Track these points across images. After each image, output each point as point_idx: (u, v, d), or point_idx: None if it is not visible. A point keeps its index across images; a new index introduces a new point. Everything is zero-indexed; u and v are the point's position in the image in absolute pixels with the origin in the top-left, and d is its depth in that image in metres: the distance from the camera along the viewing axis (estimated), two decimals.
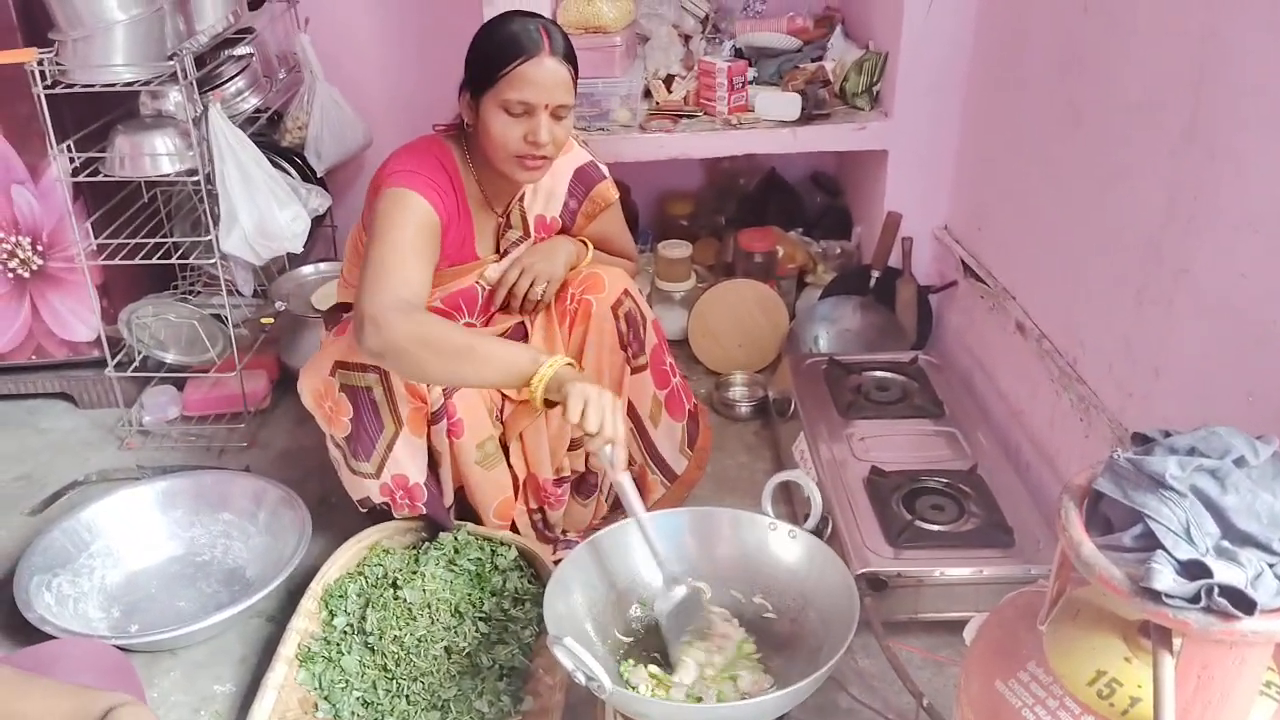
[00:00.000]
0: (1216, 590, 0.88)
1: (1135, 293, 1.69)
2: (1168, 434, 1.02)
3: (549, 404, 1.59)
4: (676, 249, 2.79)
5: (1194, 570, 0.90)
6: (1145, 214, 1.65)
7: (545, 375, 1.56)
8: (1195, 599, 0.89)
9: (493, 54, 1.70)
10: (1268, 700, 1.00)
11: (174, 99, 2.35)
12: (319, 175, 2.82)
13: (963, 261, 2.47)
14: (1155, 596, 0.90)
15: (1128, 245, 1.72)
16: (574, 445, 1.96)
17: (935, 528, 1.85)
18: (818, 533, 1.60)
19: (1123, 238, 1.74)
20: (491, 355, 1.61)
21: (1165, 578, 0.89)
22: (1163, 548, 0.92)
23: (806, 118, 2.54)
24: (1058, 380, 1.97)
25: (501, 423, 1.95)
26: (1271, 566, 0.91)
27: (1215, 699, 0.94)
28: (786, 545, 1.60)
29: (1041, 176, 2.07)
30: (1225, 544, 0.93)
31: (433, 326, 1.61)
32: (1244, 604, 0.88)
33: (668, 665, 1.53)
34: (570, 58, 1.74)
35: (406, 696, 1.71)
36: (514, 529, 1.99)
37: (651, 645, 1.59)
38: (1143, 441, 1.03)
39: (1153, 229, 1.63)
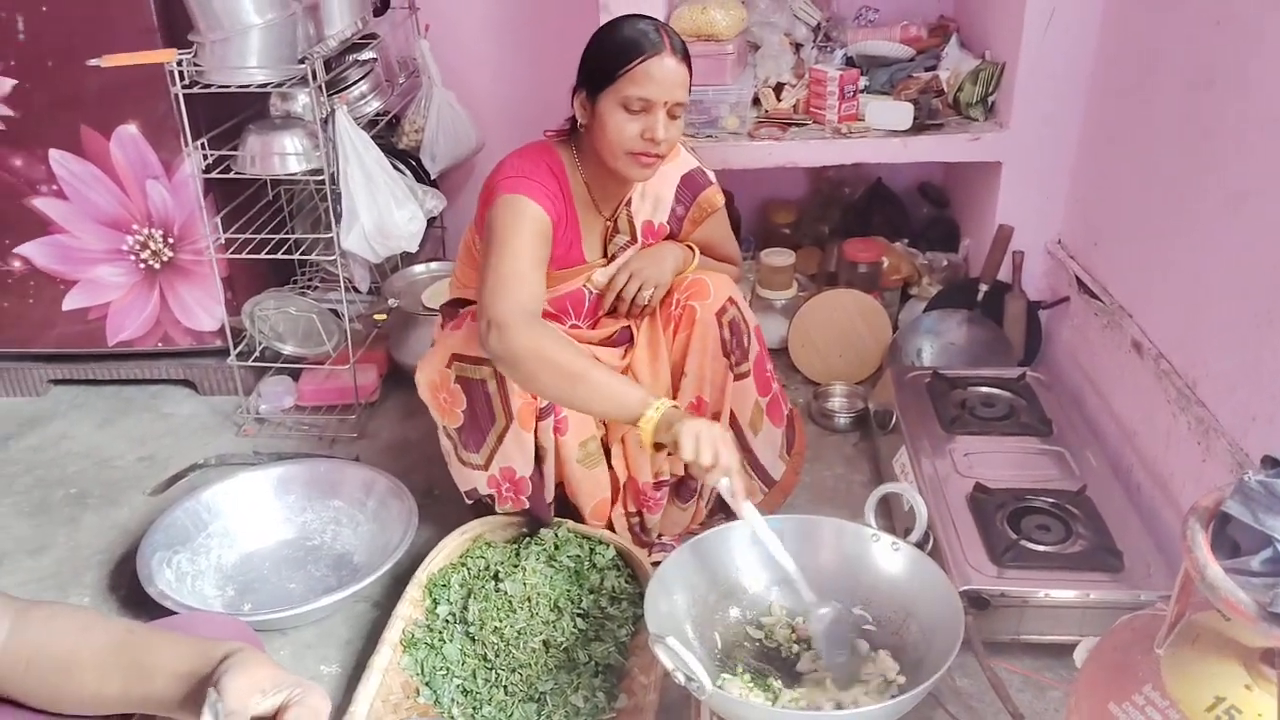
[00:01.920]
0: None
1: (1265, 313, 1.63)
2: None
3: (657, 447, 1.60)
4: (779, 257, 2.78)
5: None
6: (1275, 232, 1.60)
7: (654, 418, 1.56)
8: None
9: (615, 52, 1.73)
10: None
11: (302, 101, 2.45)
12: (432, 177, 2.90)
13: (1076, 277, 2.41)
14: None
15: (1256, 265, 1.66)
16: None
17: (1041, 548, 1.81)
18: (920, 546, 1.59)
19: (1250, 257, 1.68)
20: (603, 386, 1.62)
21: None
22: None
23: (918, 127, 2.51)
24: (1175, 402, 1.91)
25: (605, 425, 1.98)
26: None
27: None
28: (889, 557, 1.59)
29: (1163, 193, 2.02)
30: None
31: (554, 343, 1.64)
32: None
33: (774, 675, 1.55)
34: (687, 59, 1.77)
35: (505, 687, 1.75)
36: (612, 530, 2.02)
37: (750, 652, 1.60)
38: (1273, 465, 1.00)
39: None
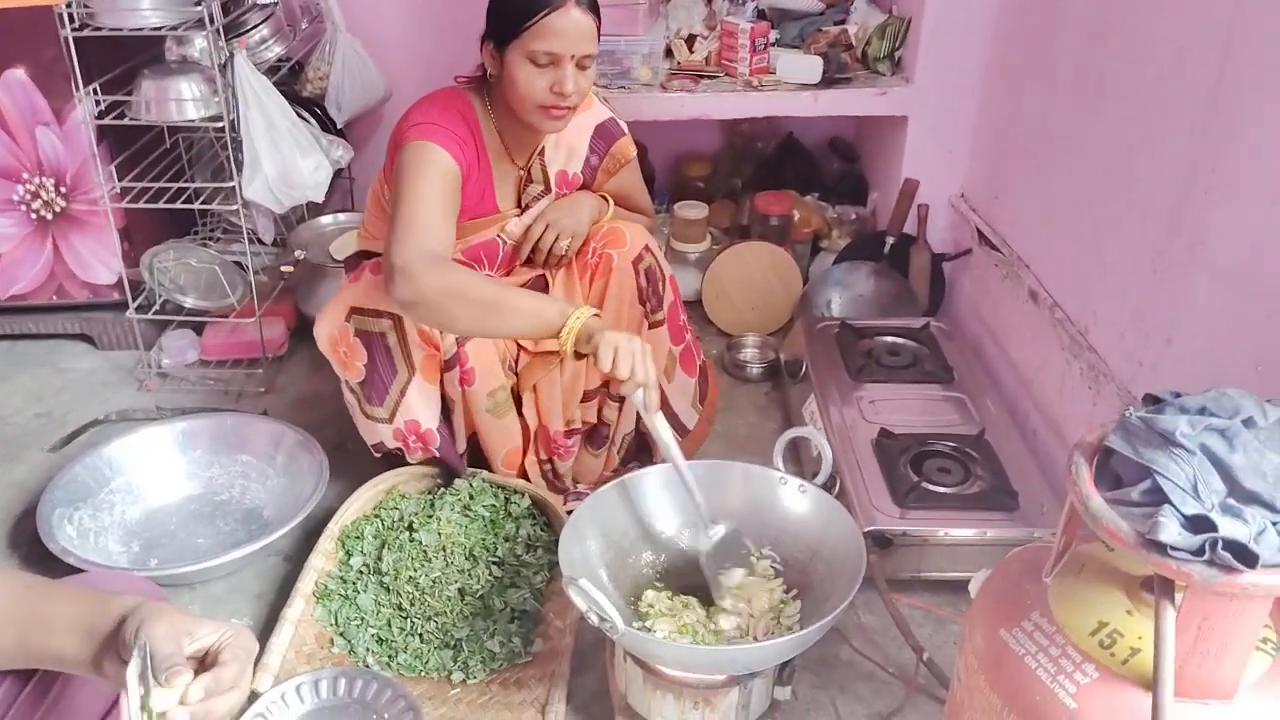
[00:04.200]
0: (1220, 543, 0.91)
1: (1150, 262, 1.71)
2: (1178, 395, 1.05)
3: (578, 355, 1.63)
4: (693, 210, 2.80)
5: (1199, 525, 0.93)
6: (1164, 185, 1.67)
7: (574, 327, 1.59)
8: (1199, 552, 0.92)
9: (518, 5, 1.71)
10: (1263, 655, 1.03)
11: (199, 45, 2.36)
12: (339, 127, 2.83)
13: (978, 230, 2.48)
14: (1160, 548, 0.93)
15: (1145, 216, 1.74)
16: (586, 397, 1.99)
17: (941, 489, 1.88)
18: (827, 489, 1.64)
19: (1140, 208, 1.76)
20: (520, 307, 1.64)
21: (1171, 530, 0.92)
22: (1170, 502, 0.95)
23: (828, 81, 2.54)
24: (1068, 349, 1.99)
25: (515, 374, 1.98)
26: (1275, 524, 0.94)
27: (1214, 650, 0.97)
28: (796, 499, 1.64)
29: (1061, 146, 2.09)
30: (1231, 501, 0.95)
31: (461, 278, 1.64)
32: (1246, 558, 0.91)
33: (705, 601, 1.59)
34: (594, 8, 1.75)
35: (420, 635, 1.75)
36: (525, 478, 2.03)
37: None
38: (1154, 403, 1.06)
39: (1171, 200, 1.65)
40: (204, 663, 0.93)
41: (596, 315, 1.62)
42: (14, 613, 0.98)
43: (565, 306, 1.63)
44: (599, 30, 1.76)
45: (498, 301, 1.63)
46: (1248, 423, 0.98)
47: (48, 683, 1.08)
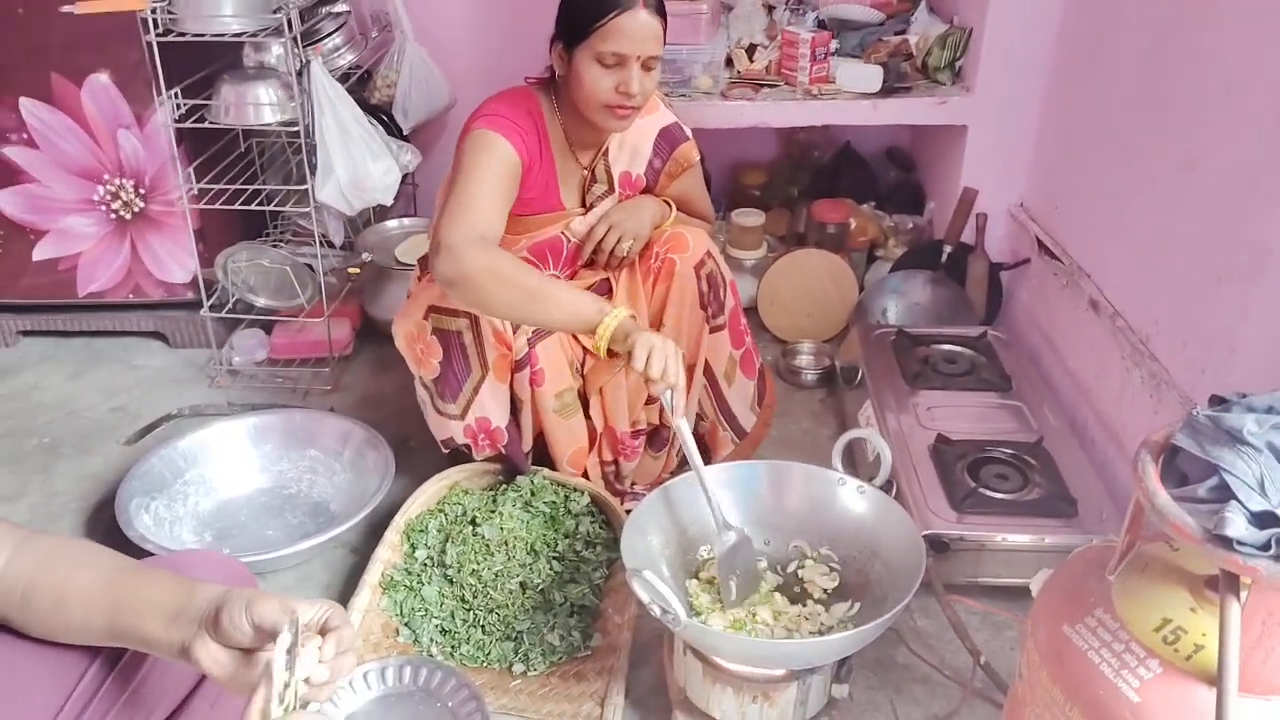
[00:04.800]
0: None
1: (1212, 272, 1.71)
2: (1244, 396, 1.06)
3: (612, 354, 1.67)
4: (750, 217, 2.83)
5: (1265, 521, 0.94)
6: (1227, 195, 1.67)
7: (610, 325, 1.63)
8: (1265, 547, 0.93)
9: (588, 6, 1.75)
10: None
11: (276, 52, 2.45)
12: (404, 133, 2.91)
13: (1037, 239, 2.49)
14: (1227, 543, 0.94)
15: (1208, 225, 1.74)
16: (650, 400, 2.03)
17: (999, 495, 1.88)
18: (885, 492, 1.65)
19: (1203, 218, 1.76)
20: (559, 299, 1.68)
21: (1238, 525, 0.93)
22: (1236, 499, 0.96)
23: (887, 90, 2.56)
24: (1129, 357, 1.99)
25: (583, 376, 2.03)
26: None
27: (1279, 645, 0.98)
28: (855, 499, 1.65)
29: (1122, 157, 2.09)
30: None
31: (505, 262, 1.69)
32: None
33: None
34: (660, 10, 1.79)
35: (482, 626, 1.80)
36: (586, 478, 2.07)
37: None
38: (1220, 403, 1.07)
39: (1234, 209, 1.65)
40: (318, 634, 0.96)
41: (632, 316, 1.67)
42: (106, 594, 1.02)
43: (604, 305, 1.67)
44: (665, 32, 1.80)
45: (538, 291, 1.67)
46: None
47: (135, 664, 1.11)
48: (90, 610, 1.02)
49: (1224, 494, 0.97)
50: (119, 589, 1.02)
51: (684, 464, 2.15)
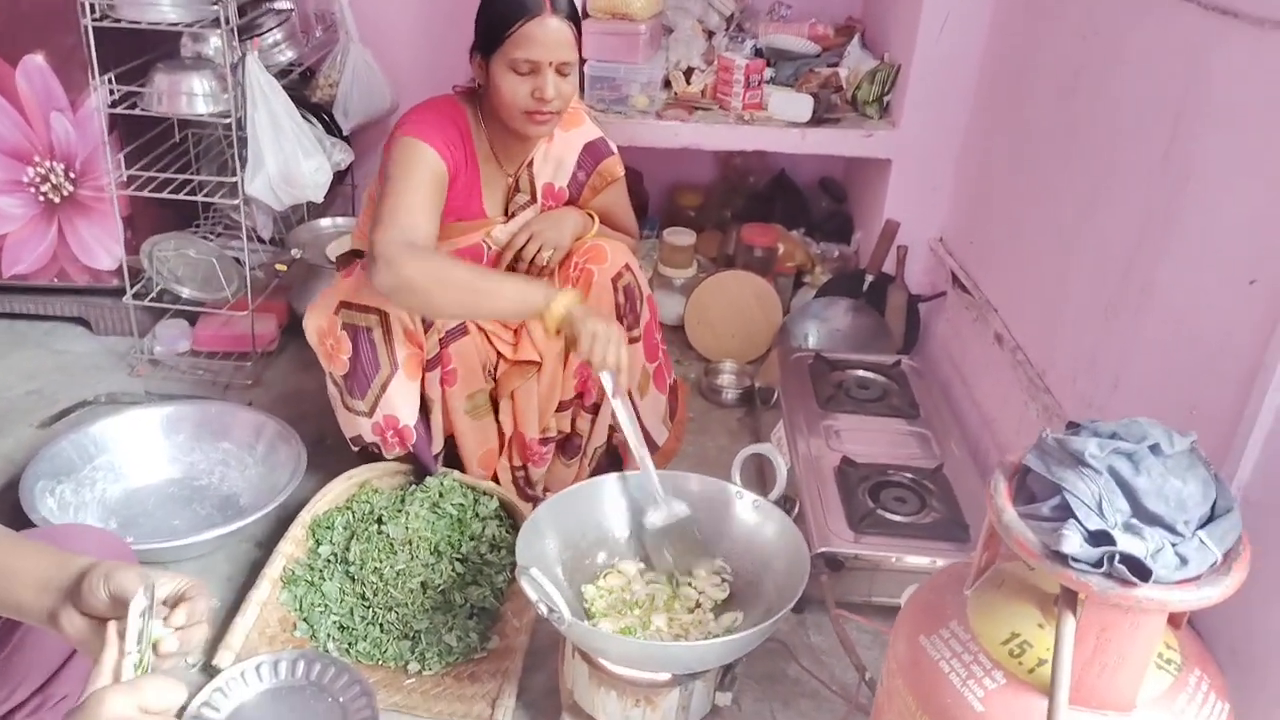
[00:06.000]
0: (1118, 557, 0.97)
1: (1104, 308, 1.78)
2: (1095, 423, 1.11)
3: (561, 334, 1.73)
4: (682, 236, 2.88)
5: (1101, 540, 1.00)
6: (1122, 234, 1.75)
7: (557, 311, 1.69)
8: (1098, 565, 0.98)
9: (498, 16, 1.80)
10: (1165, 674, 1.09)
11: (214, 44, 2.45)
12: (344, 133, 2.92)
13: (953, 273, 2.56)
14: (1063, 559, 0.99)
15: (1102, 263, 1.81)
16: (561, 407, 2.06)
17: (896, 518, 1.93)
18: (783, 505, 1.70)
19: (1098, 256, 1.83)
20: (503, 288, 1.73)
21: (1073, 543, 0.99)
22: (1075, 518, 1.01)
23: (816, 120, 2.63)
24: (1026, 390, 2.06)
25: (494, 380, 2.05)
26: (1174, 545, 1.01)
27: (1111, 661, 1.03)
28: (749, 513, 1.69)
29: (1033, 195, 2.17)
30: (1134, 521, 1.02)
31: (443, 263, 1.74)
32: (1142, 573, 0.97)
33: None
34: (573, 16, 1.83)
35: (381, 625, 1.80)
36: (497, 482, 2.09)
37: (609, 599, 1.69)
38: (1073, 427, 1.12)
39: (1126, 249, 1.72)
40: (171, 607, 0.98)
41: (580, 299, 1.73)
42: None
43: (549, 289, 1.72)
44: (579, 39, 1.85)
45: (480, 286, 1.72)
46: (1154, 449, 1.04)
47: (6, 634, 1.12)
48: None
49: (1065, 513, 1.03)
50: None
51: (596, 472, 2.20)
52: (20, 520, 1.94)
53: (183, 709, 1.55)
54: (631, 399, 2.11)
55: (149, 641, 0.87)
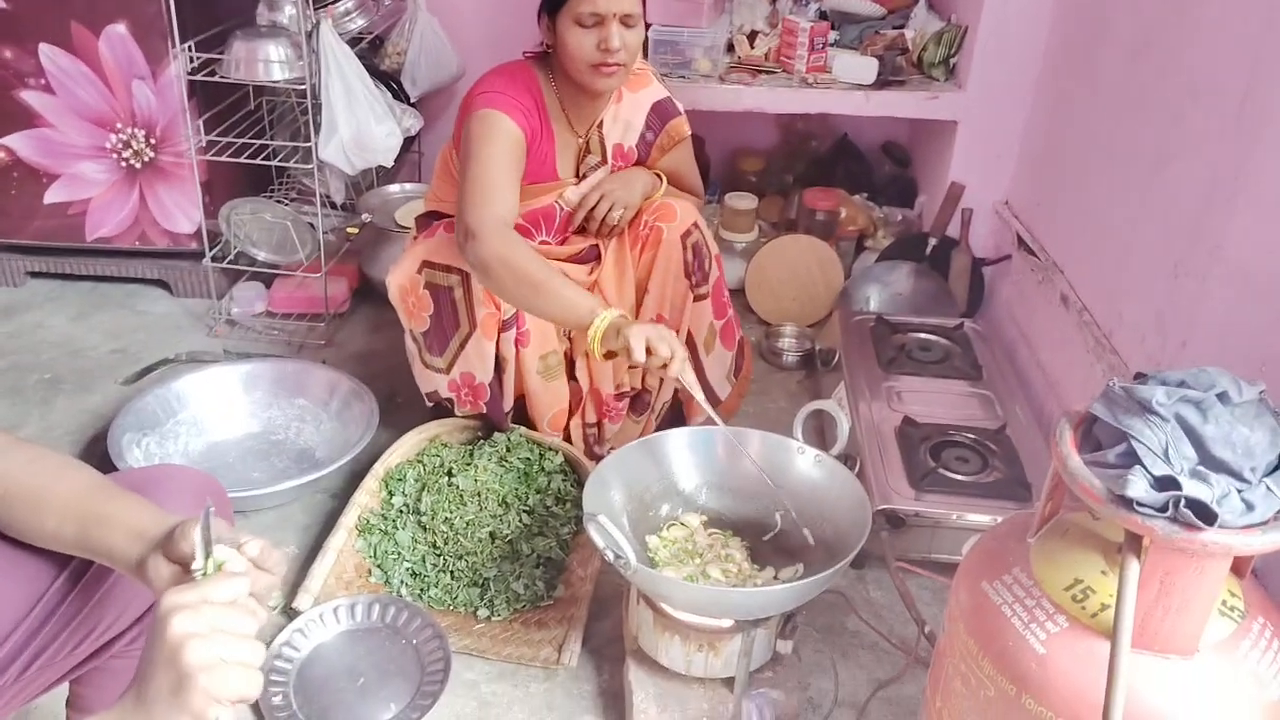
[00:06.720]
0: (1183, 501, 0.98)
1: (1172, 267, 1.77)
2: (1163, 373, 1.12)
3: (608, 355, 1.72)
4: (743, 200, 2.89)
5: (1166, 485, 1.00)
6: (1190, 193, 1.73)
7: (600, 326, 1.68)
8: (1164, 509, 0.99)
9: None
10: (1228, 620, 1.10)
11: (289, 12, 2.51)
12: (412, 101, 2.97)
13: (1018, 236, 2.54)
14: (1128, 504, 1.01)
15: (1171, 222, 1.80)
16: (634, 364, 2.09)
17: (957, 476, 1.94)
18: (845, 461, 1.72)
19: (1167, 215, 1.82)
20: (559, 294, 1.74)
21: (1139, 487, 1.00)
22: (1141, 464, 1.02)
23: (882, 83, 2.62)
24: (1093, 351, 2.05)
25: (569, 339, 2.09)
26: (1240, 491, 1.01)
27: (1175, 606, 1.04)
28: (811, 467, 1.72)
29: (1100, 155, 2.14)
30: (1200, 468, 1.02)
31: (520, 252, 1.76)
32: (1207, 517, 0.98)
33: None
34: None
35: (451, 572, 1.87)
36: (568, 441, 2.14)
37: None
38: (1141, 377, 1.13)
39: (1195, 207, 1.71)
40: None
41: (623, 316, 1.71)
42: (80, 506, 1.07)
43: (597, 306, 1.72)
44: None
45: (542, 284, 1.74)
46: (1222, 397, 1.05)
47: (97, 581, 1.17)
48: (65, 518, 1.07)
49: (1131, 459, 1.03)
50: (94, 502, 1.07)
51: (662, 427, 2.23)
52: (108, 469, 2.02)
53: (266, 645, 1.63)
54: (697, 355, 2.15)
55: (214, 560, 0.91)
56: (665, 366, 1.64)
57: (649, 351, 1.63)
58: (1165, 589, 1.04)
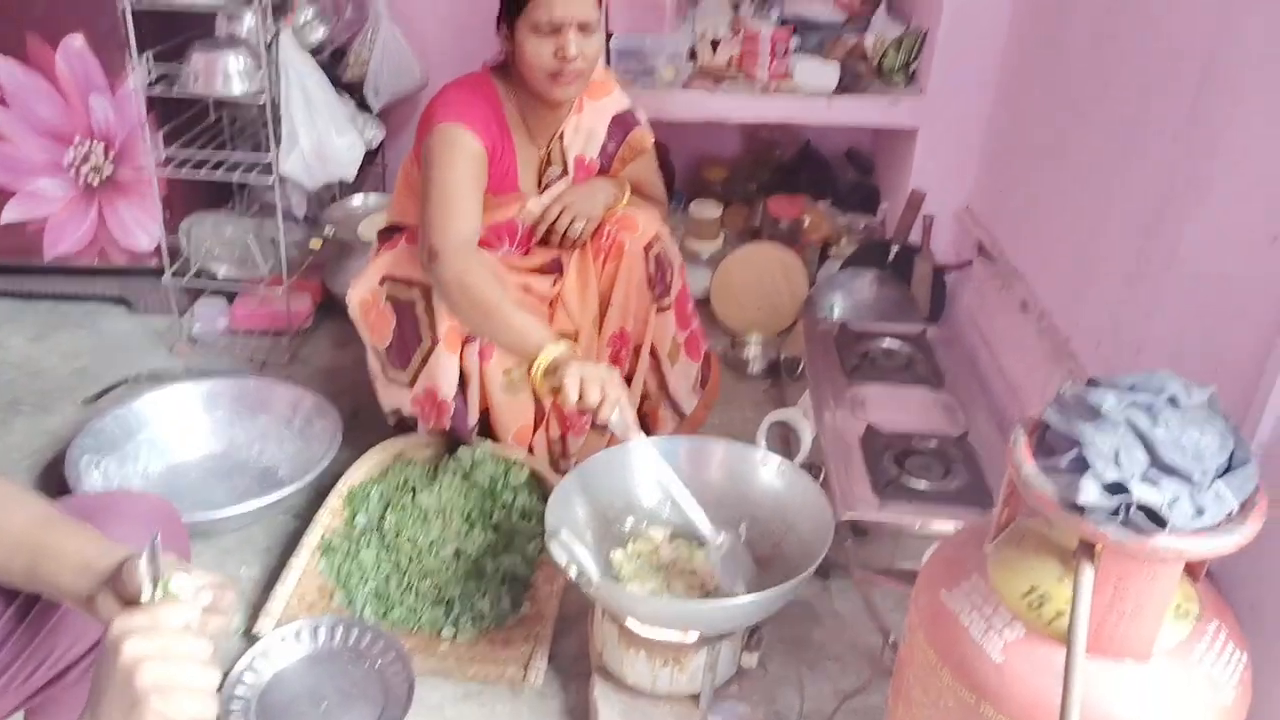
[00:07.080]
0: (1134, 506, 0.98)
1: (1127, 273, 1.78)
2: (1115, 378, 1.12)
3: (553, 391, 1.68)
4: (708, 209, 2.89)
5: (1117, 490, 1.01)
6: (1145, 197, 1.74)
7: (542, 363, 1.68)
8: (1115, 514, 1.00)
9: None
10: (1182, 624, 1.10)
11: (248, 23, 2.49)
12: (374, 112, 2.95)
13: (979, 242, 2.56)
14: (1080, 510, 1.01)
15: (1126, 227, 1.81)
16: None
17: (920, 484, 1.94)
18: (808, 469, 1.72)
19: (1122, 220, 1.83)
20: (510, 322, 1.76)
21: (1090, 493, 1.00)
22: (1092, 469, 1.02)
23: (843, 89, 2.63)
24: (1051, 356, 2.06)
25: None
26: (1191, 496, 1.02)
27: (1129, 611, 1.05)
28: (774, 477, 1.72)
29: (1058, 161, 2.16)
30: (1151, 472, 1.03)
31: (478, 277, 1.78)
32: (1158, 522, 0.98)
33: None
34: None
35: (415, 591, 1.85)
36: (533, 454, 2.12)
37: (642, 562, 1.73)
38: (1092, 383, 1.14)
39: (1150, 210, 1.72)
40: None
41: (571, 349, 1.70)
42: (29, 538, 1.04)
43: (547, 339, 1.71)
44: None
45: (495, 310, 1.76)
46: (1173, 401, 1.05)
47: (45, 614, 1.14)
48: (14, 552, 1.04)
49: (1082, 465, 1.04)
50: (42, 535, 1.04)
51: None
52: (65, 493, 2.00)
53: (225, 674, 1.60)
54: (661, 367, 2.14)
55: (162, 584, 0.90)
56: (597, 409, 1.61)
57: (580, 395, 1.61)
58: (1119, 594, 1.04)
